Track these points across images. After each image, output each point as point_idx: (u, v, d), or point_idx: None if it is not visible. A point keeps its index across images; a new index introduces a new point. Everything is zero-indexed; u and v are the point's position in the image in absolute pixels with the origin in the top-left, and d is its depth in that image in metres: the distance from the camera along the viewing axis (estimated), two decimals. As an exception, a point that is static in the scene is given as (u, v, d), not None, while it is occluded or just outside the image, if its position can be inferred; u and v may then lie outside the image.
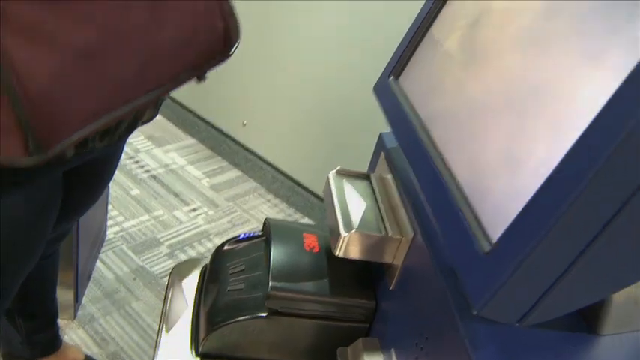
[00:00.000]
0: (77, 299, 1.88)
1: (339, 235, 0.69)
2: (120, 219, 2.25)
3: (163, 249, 2.15)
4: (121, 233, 2.20)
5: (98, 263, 2.05)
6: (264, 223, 0.84)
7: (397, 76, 0.76)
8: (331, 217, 0.73)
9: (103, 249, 2.11)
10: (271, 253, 0.78)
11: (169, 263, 2.09)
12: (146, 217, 2.29)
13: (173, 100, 2.79)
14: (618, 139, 0.37)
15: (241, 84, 2.48)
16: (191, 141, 2.73)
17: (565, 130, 0.42)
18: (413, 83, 0.72)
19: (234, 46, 0.71)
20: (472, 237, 0.47)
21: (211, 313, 0.79)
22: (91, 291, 1.96)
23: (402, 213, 0.71)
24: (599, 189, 0.38)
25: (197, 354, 0.79)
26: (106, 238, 2.15)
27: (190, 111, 2.71)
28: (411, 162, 0.65)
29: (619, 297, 0.52)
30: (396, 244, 0.70)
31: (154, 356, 0.80)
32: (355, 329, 0.77)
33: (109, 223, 2.20)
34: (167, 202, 2.34)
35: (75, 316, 1.87)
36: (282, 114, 2.43)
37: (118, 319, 1.90)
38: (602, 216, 0.39)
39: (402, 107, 0.71)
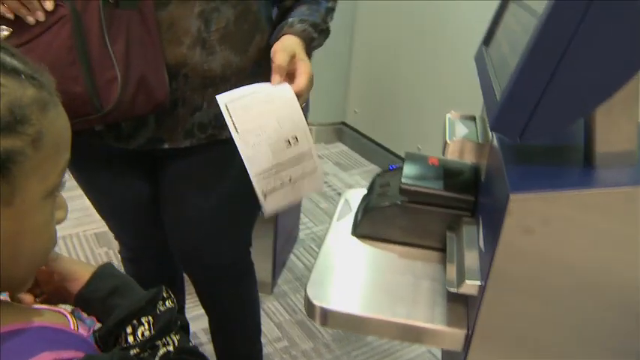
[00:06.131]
0: (274, 278, 2.38)
1: (446, 142, 1.10)
2: (310, 225, 2.76)
3: (344, 247, 2.61)
4: (311, 235, 2.69)
5: (291, 256, 2.55)
6: (404, 156, 1.27)
7: (487, 44, 1.17)
8: (444, 138, 1.14)
9: (295, 246, 2.61)
10: (404, 166, 1.21)
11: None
12: (332, 223, 2.76)
13: (355, 130, 3.30)
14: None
15: (413, 111, 2.90)
16: (372, 167, 3.21)
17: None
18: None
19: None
20: (495, 97, 0.87)
21: (366, 207, 1.23)
22: (284, 275, 2.46)
23: (488, 130, 1.11)
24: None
25: (354, 234, 1.23)
26: (298, 239, 2.66)
27: (370, 139, 3.19)
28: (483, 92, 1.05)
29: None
30: (483, 147, 1.09)
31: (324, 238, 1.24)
32: (460, 216, 1.16)
33: (301, 227, 2.71)
34: (350, 213, 2.79)
35: (271, 292, 2.36)
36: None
37: (306, 296, 2.35)
38: (559, 50, 0.75)
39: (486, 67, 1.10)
